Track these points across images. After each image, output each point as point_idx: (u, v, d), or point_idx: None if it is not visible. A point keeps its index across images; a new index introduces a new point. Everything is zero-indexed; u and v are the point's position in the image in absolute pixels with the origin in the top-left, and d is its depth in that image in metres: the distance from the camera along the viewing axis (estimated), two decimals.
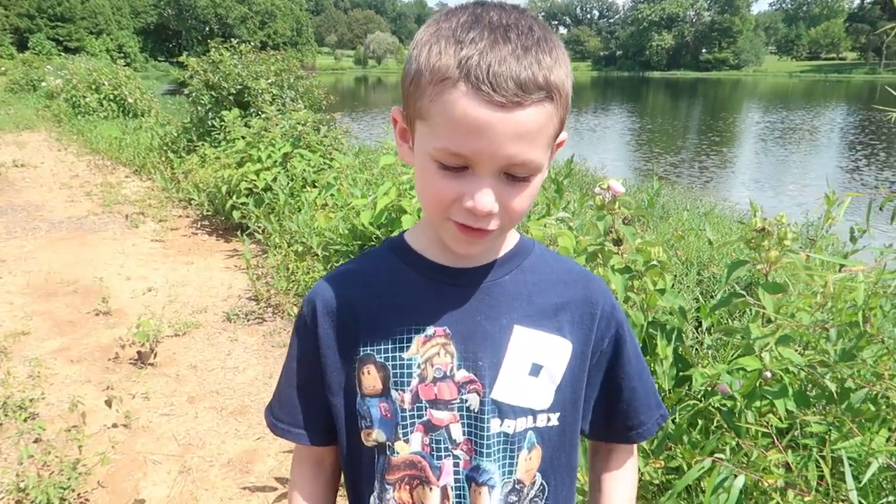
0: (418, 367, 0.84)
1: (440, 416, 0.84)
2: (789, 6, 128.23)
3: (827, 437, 1.96)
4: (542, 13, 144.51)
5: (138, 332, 3.76)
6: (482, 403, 0.84)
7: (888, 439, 1.81)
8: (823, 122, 26.50)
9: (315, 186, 5.93)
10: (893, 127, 22.12)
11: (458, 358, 0.84)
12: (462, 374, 0.84)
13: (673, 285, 2.89)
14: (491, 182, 0.73)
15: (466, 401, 0.84)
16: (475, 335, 0.85)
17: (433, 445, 0.84)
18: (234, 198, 6.09)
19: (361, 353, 0.86)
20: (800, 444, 1.95)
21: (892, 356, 1.69)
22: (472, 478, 0.85)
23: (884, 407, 1.70)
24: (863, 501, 1.39)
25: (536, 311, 0.87)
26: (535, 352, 0.86)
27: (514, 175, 0.74)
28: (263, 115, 7.17)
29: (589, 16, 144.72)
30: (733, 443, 1.88)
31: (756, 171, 15.21)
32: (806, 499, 1.43)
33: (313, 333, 0.89)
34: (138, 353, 3.76)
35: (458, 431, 0.84)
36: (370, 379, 0.86)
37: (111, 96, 14.76)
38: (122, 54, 59.78)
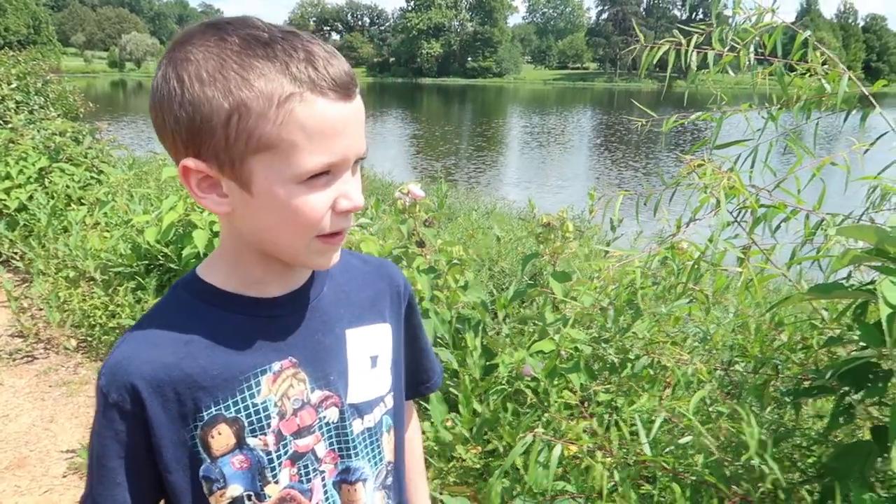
0: (275, 405, 0.81)
1: (304, 442, 0.84)
2: (539, 20, 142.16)
3: (614, 403, 2.26)
4: (314, 19, 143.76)
5: None
6: (342, 413, 0.86)
7: (660, 398, 2.14)
8: (575, 125, 29.84)
9: (83, 204, 5.34)
10: (632, 130, 25.61)
11: (310, 381, 0.84)
12: (317, 395, 0.85)
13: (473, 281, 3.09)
14: (350, 177, 0.77)
15: (325, 417, 0.85)
16: (318, 354, 0.85)
17: (301, 473, 0.84)
18: None
19: (206, 417, 0.79)
20: (594, 413, 2.23)
21: (660, 328, 2.00)
22: (343, 480, 0.88)
23: (659, 370, 2.01)
24: (651, 453, 1.64)
25: (358, 309, 0.92)
26: (368, 346, 0.91)
27: (356, 164, 0.77)
28: (9, 126, 6.27)
29: (360, 23, 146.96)
30: (544, 418, 2.09)
31: (525, 170, 16.70)
32: (609, 459, 1.65)
33: (139, 418, 0.77)
34: None
35: (321, 448, 0.86)
36: (221, 439, 0.79)
37: None
38: None
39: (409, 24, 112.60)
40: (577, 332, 2.40)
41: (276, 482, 0.82)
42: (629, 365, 2.12)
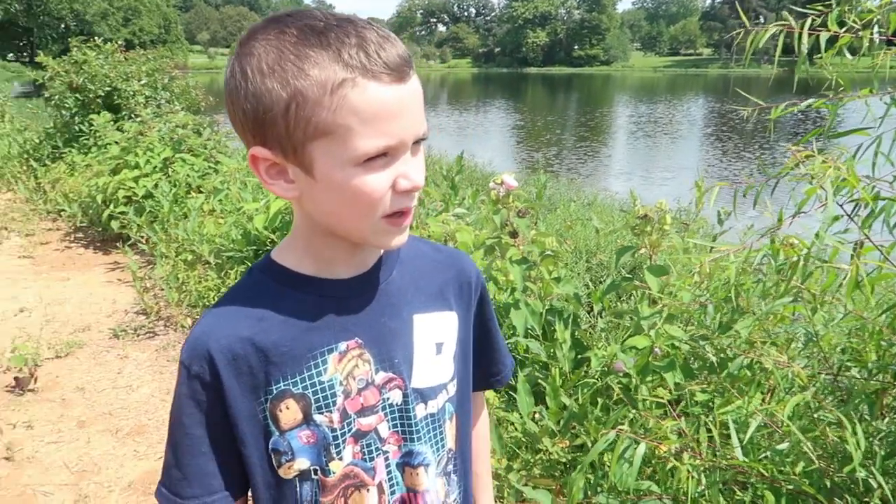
0: (340, 384, 0.84)
1: (367, 421, 0.86)
2: (650, 5, 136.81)
3: (711, 404, 2.16)
4: (421, 11, 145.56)
5: (14, 357, 3.48)
6: (405, 396, 0.88)
7: (762, 401, 2.02)
8: (685, 113, 28.54)
9: (201, 192, 5.70)
10: (744, 121, 24.17)
11: (375, 363, 0.87)
12: (381, 376, 0.87)
13: (566, 273, 3.05)
14: (410, 157, 0.78)
15: (388, 398, 0.87)
16: (384, 336, 0.88)
17: (364, 451, 0.87)
18: (112, 207, 5.73)
19: (275, 391, 0.82)
20: (689, 412, 2.14)
21: (762, 326, 1.89)
22: (406, 463, 0.90)
23: (758, 372, 1.90)
24: (745, 458, 1.55)
25: (425, 295, 0.93)
26: (434, 332, 0.93)
27: (416, 143, 0.77)
28: (138, 119, 6.79)
29: (466, 13, 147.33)
30: (631, 415, 2.03)
31: (629, 161, 16.17)
32: (697, 460, 1.58)
33: (218, 391, 0.81)
34: (15, 378, 3.47)
35: (384, 429, 0.88)
36: (289, 413, 0.83)
37: None
38: None
39: (514, 14, 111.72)
40: (674, 328, 2.31)
41: (341, 458, 0.85)
42: (727, 365, 2.02)
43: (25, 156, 8.54)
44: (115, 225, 5.66)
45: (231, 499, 0.86)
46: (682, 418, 1.74)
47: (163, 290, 4.64)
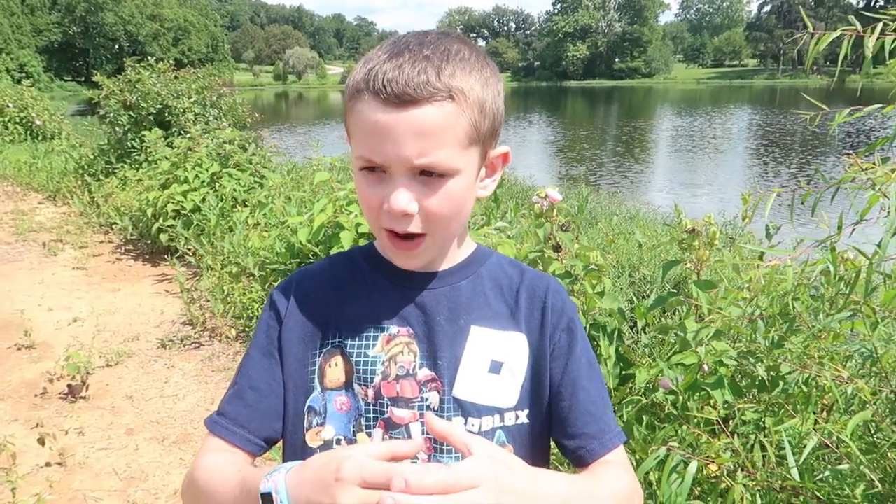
0: (382, 364, 0.88)
1: (401, 414, 0.87)
2: (693, 16, 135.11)
3: (762, 423, 2.09)
4: (461, 26, 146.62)
5: (67, 365, 3.59)
6: (442, 402, 0.87)
7: (817, 420, 1.95)
8: (730, 126, 28.01)
9: (246, 206, 5.82)
10: (794, 132, 23.61)
11: (420, 357, 0.88)
12: (424, 373, 0.88)
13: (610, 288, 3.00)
14: (405, 182, 0.79)
15: (427, 399, 0.87)
16: (436, 335, 0.89)
17: None
18: (161, 220, 5.90)
19: (330, 345, 0.90)
20: (737, 432, 2.08)
21: (818, 341, 1.82)
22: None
23: (814, 389, 1.83)
24: (801, 480, 1.50)
25: (492, 312, 0.92)
26: (493, 349, 0.90)
27: (430, 174, 0.79)
28: (188, 135, 6.99)
29: (506, 28, 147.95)
30: (680, 433, 1.98)
31: (672, 173, 15.92)
32: (751, 482, 1.53)
33: (280, 317, 0.92)
34: (68, 386, 3.58)
35: (417, 430, 0.86)
36: (335, 371, 0.89)
37: (17, 119, 13.98)
38: (23, 74, 56.67)
39: (555, 28, 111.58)
40: (722, 344, 2.24)
41: (370, 435, 0.87)
42: (780, 383, 1.95)
43: (80, 171, 8.86)
44: (163, 238, 5.82)
45: (248, 442, 0.88)
46: (735, 437, 1.69)
47: (208, 301, 4.73)
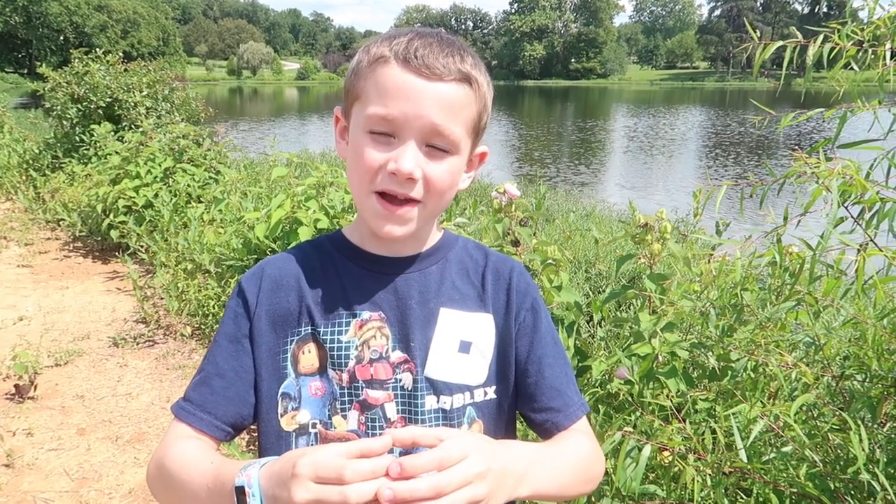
0: (356, 348, 0.90)
1: (375, 395, 0.90)
2: (647, 19, 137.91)
3: (713, 411, 2.16)
4: (418, 24, 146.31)
5: (14, 364, 3.47)
6: (415, 381, 0.91)
7: (764, 405, 2.03)
8: (682, 126, 28.68)
9: (201, 202, 5.72)
10: (745, 133, 24.33)
11: (393, 340, 0.91)
12: (397, 355, 0.91)
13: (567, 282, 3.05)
14: (414, 148, 0.83)
15: (401, 380, 0.91)
16: (408, 318, 0.92)
17: (368, 424, 0.89)
18: (112, 216, 5.74)
19: (302, 332, 0.91)
20: (690, 420, 2.15)
21: (765, 331, 1.90)
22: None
23: (761, 375, 1.91)
24: (749, 462, 1.56)
25: (460, 294, 0.96)
26: (462, 330, 0.94)
27: (434, 147, 0.84)
28: (139, 129, 6.81)
29: (463, 27, 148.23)
30: (635, 420, 2.04)
31: (625, 173, 16.24)
32: (701, 463, 1.58)
33: (249, 306, 0.92)
34: (15, 386, 3.47)
35: (392, 409, 0.90)
36: (309, 358, 0.90)
37: None
38: None
39: (511, 27, 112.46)
40: (674, 335, 2.32)
41: (345, 418, 0.89)
42: (729, 371, 2.03)
43: (25, 166, 8.55)
44: (114, 234, 5.67)
45: (214, 427, 0.89)
46: (687, 423, 1.75)
47: (162, 299, 4.64)
